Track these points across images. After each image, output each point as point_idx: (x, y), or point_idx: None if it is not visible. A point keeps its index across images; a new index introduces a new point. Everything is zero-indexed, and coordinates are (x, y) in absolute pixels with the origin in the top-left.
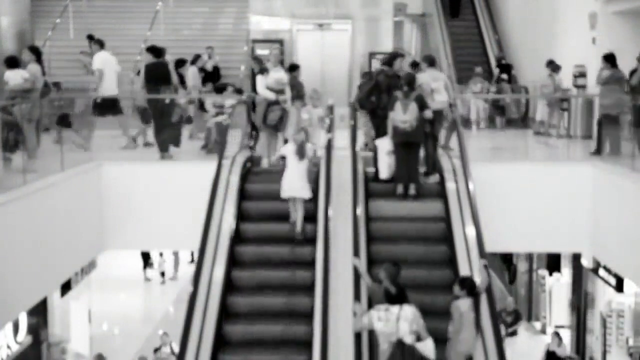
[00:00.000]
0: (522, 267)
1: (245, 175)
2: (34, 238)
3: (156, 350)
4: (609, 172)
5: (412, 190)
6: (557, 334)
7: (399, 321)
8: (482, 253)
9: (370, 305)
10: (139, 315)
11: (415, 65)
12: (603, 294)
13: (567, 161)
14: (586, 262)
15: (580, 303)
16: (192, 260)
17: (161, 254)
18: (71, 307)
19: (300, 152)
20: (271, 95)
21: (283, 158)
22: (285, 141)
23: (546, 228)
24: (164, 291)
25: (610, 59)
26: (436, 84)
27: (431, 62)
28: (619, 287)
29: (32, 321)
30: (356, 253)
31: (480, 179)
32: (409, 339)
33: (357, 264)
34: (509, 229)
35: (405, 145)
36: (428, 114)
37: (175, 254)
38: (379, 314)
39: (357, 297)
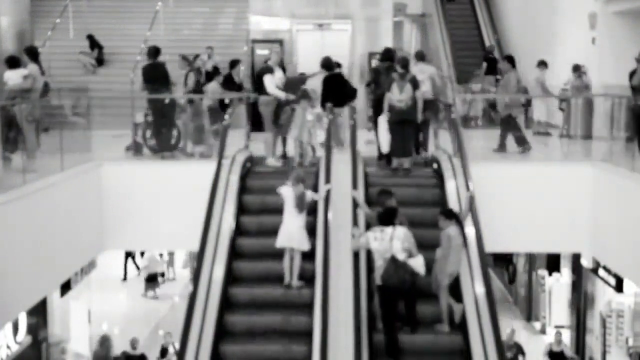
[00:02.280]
0: (521, 267)
1: (245, 175)
2: (34, 238)
3: (163, 351)
4: (608, 172)
5: (406, 164)
6: (559, 334)
7: (393, 240)
8: (473, 208)
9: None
10: (139, 315)
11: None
12: (603, 294)
13: (567, 161)
14: (586, 262)
15: (580, 303)
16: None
17: (161, 255)
18: (71, 307)
19: (300, 205)
20: (283, 95)
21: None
22: (284, 140)
23: (546, 228)
24: (164, 291)
25: (511, 60)
26: (422, 76)
27: (421, 57)
28: (619, 287)
29: (31, 321)
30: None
31: (480, 179)
32: (401, 256)
33: (356, 195)
34: (509, 229)
35: (401, 122)
36: (421, 93)
37: (170, 254)
38: (374, 234)
39: (355, 223)
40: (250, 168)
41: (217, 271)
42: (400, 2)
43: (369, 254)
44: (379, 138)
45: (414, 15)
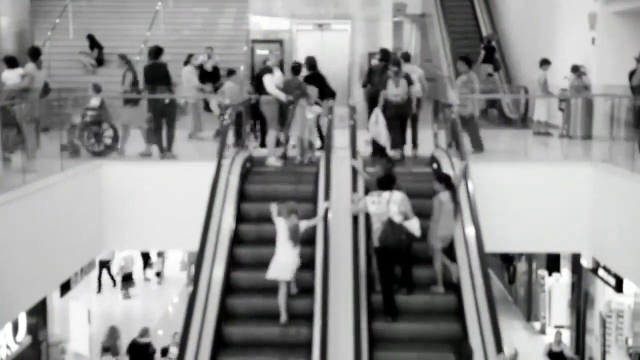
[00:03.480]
0: (521, 267)
1: (244, 175)
2: (34, 238)
3: (164, 351)
4: (608, 172)
5: (399, 154)
6: (560, 334)
7: (389, 204)
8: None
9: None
10: (139, 315)
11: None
12: (602, 294)
13: (566, 161)
14: (586, 263)
15: (579, 303)
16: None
17: (158, 255)
18: (70, 307)
19: (294, 237)
20: (283, 96)
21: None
22: (288, 139)
23: (546, 228)
24: (164, 291)
25: (467, 61)
26: (413, 76)
27: (407, 58)
28: (619, 287)
29: (31, 321)
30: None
31: (480, 179)
32: (397, 218)
33: (355, 164)
34: (509, 229)
35: (396, 116)
36: (416, 87)
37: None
38: (372, 198)
39: (354, 189)
40: (250, 168)
41: (217, 271)
42: (400, 2)
43: (368, 220)
44: (380, 131)
45: (413, 15)
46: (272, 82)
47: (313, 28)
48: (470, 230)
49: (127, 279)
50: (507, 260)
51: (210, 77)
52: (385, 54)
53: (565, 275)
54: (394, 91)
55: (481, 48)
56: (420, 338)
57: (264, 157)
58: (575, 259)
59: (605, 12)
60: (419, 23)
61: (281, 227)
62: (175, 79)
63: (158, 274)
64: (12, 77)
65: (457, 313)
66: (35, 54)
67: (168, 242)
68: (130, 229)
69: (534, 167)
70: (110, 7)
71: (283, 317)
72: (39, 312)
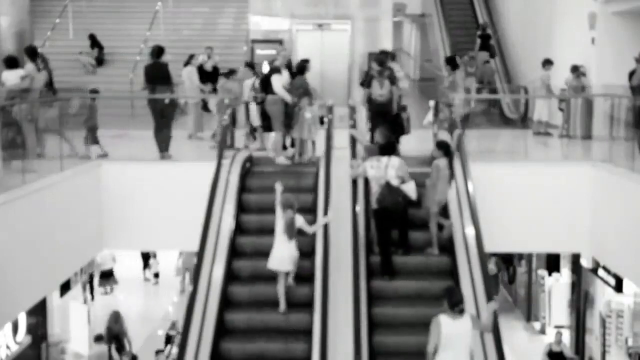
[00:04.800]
0: (521, 267)
1: (244, 175)
2: (34, 238)
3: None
4: (608, 172)
5: None
6: (560, 334)
7: (387, 168)
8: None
9: None
10: (139, 315)
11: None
12: (602, 294)
13: (566, 161)
14: (585, 263)
15: (579, 303)
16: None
17: (154, 255)
18: (70, 307)
19: (290, 231)
20: (289, 97)
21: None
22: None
23: (546, 228)
24: (164, 291)
25: (452, 63)
26: (400, 74)
27: (392, 57)
28: (619, 287)
29: (31, 321)
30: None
31: (480, 179)
32: (395, 182)
33: (354, 133)
34: (509, 229)
35: (381, 113)
36: (403, 84)
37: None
38: (371, 163)
39: (353, 155)
40: (250, 168)
41: (217, 271)
42: (400, 2)
43: (367, 185)
44: (360, 128)
45: (413, 15)
46: (280, 82)
47: (313, 28)
48: (470, 230)
49: (107, 276)
50: (507, 261)
51: (210, 77)
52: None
53: (565, 275)
54: (378, 91)
55: (477, 36)
56: (415, 295)
57: (264, 157)
58: (575, 259)
59: (605, 12)
60: (419, 23)
61: (277, 219)
62: (175, 79)
63: (156, 275)
64: (11, 78)
65: (451, 273)
66: (33, 53)
67: (168, 242)
68: (130, 229)
69: (534, 167)
70: (110, 7)
71: (282, 306)
72: (39, 312)
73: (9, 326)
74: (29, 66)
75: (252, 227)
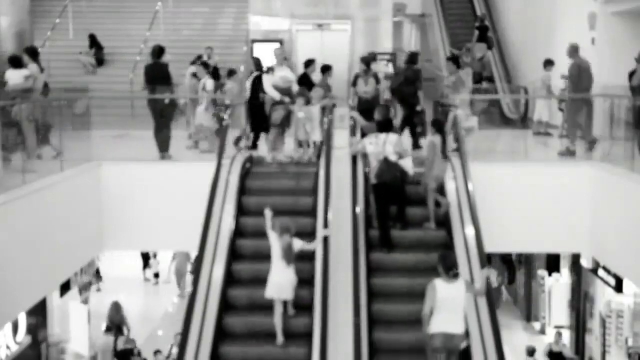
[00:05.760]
0: (521, 267)
1: (244, 176)
2: (34, 238)
3: (156, 352)
4: (608, 172)
5: None
6: (559, 334)
7: (385, 144)
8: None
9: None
10: (139, 315)
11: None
12: (602, 294)
13: (566, 161)
14: (585, 263)
15: (579, 303)
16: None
17: (155, 255)
18: (70, 307)
19: (288, 257)
20: (276, 95)
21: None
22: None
23: (545, 228)
24: (163, 291)
25: (456, 62)
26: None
27: (374, 58)
28: (618, 287)
29: (31, 321)
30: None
31: (480, 179)
32: (392, 157)
33: (354, 114)
34: (509, 229)
35: (366, 110)
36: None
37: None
38: (370, 139)
39: (353, 134)
40: (250, 168)
41: (217, 269)
42: (400, 2)
43: (366, 158)
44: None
45: (413, 15)
46: (269, 81)
47: (313, 28)
48: (470, 230)
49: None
50: (507, 262)
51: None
52: (412, 57)
53: (565, 275)
54: (363, 88)
55: (475, 28)
56: (413, 267)
57: (264, 157)
58: (575, 259)
59: (604, 12)
60: (418, 23)
61: (274, 243)
62: (175, 80)
63: (156, 275)
64: (14, 77)
65: (447, 247)
66: (34, 53)
67: (168, 243)
68: (130, 229)
69: (534, 167)
70: (110, 7)
71: (279, 339)
72: (39, 312)
73: (9, 326)
74: (33, 66)
75: (250, 229)
